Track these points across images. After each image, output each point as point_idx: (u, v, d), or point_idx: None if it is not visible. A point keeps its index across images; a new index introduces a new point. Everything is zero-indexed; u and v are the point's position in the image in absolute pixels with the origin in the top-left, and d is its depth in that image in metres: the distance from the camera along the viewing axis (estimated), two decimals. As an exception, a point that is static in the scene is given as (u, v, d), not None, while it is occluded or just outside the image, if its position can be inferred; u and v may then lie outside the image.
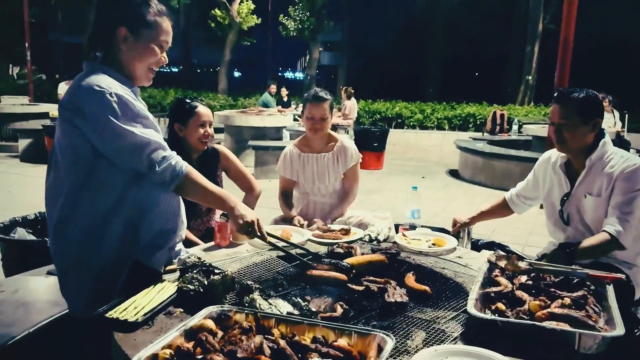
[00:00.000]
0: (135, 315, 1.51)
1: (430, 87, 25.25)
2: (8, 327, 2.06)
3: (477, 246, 3.02)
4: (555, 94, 2.44)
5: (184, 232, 2.08)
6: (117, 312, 1.52)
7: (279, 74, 48.42)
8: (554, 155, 2.61)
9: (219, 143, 9.40)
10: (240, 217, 1.86)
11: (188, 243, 2.58)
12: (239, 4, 20.45)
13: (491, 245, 3.08)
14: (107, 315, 1.51)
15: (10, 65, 24.47)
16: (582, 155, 2.43)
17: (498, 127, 11.71)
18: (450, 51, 26.22)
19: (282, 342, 1.25)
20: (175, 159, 1.80)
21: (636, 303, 2.39)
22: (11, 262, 2.94)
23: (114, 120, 1.70)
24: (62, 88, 10.51)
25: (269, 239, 1.98)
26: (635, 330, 2.30)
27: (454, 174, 9.58)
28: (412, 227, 2.78)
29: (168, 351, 1.22)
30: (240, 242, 2.34)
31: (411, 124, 15.19)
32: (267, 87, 13.76)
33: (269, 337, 1.29)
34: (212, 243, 2.36)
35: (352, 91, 12.11)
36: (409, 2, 26.35)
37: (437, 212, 6.41)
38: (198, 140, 2.81)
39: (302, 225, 2.78)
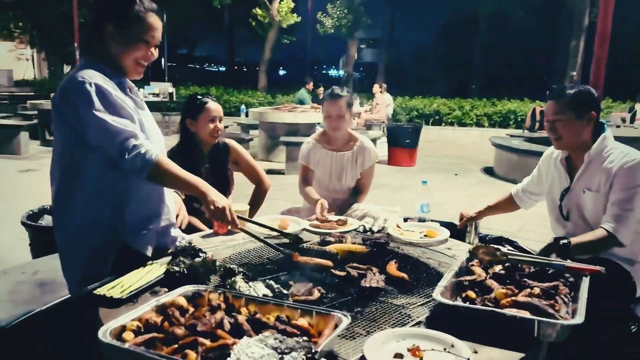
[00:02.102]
0: (121, 293, 1.63)
1: (473, 84, 24.80)
2: (23, 305, 2.24)
3: (484, 241, 3.00)
4: (548, 91, 2.43)
5: (173, 217, 2.18)
6: (105, 290, 1.64)
7: (322, 71, 48.54)
8: (556, 150, 2.59)
9: (251, 139, 9.46)
10: (211, 202, 1.90)
11: (193, 229, 2.70)
12: (279, 3, 20.70)
13: (499, 240, 3.05)
14: (94, 292, 1.63)
15: (64, 65, 25.64)
16: (581, 151, 2.40)
17: (537, 124, 11.39)
18: (494, 46, 25.61)
19: (241, 318, 1.33)
20: (145, 147, 1.84)
21: (637, 300, 2.34)
22: (38, 247, 3.15)
23: (90, 108, 1.82)
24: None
25: (241, 226, 2.04)
26: (632, 327, 2.26)
27: (488, 171, 9.41)
28: (422, 221, 2.80)
29: (136, 323, 1.33)
30: (237, 231, 2.43)
31: (449, 120, 14.99)
32: (304, 84, 13.87)
33: (233, 314, 1.38)
34: (212, 230, 2.47)
35: (385, 86, 12.10)
36: (451, -4, 25.91)
37: (465, 209, 6.30)
38: (208, 135, 2.93)
39: (324, 209, 2.81)
